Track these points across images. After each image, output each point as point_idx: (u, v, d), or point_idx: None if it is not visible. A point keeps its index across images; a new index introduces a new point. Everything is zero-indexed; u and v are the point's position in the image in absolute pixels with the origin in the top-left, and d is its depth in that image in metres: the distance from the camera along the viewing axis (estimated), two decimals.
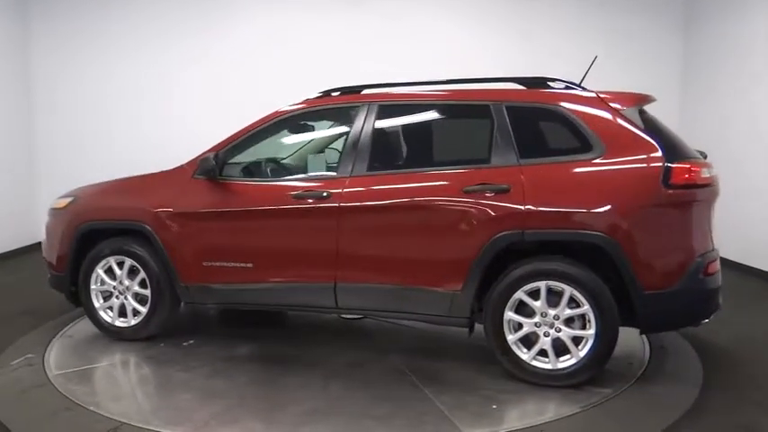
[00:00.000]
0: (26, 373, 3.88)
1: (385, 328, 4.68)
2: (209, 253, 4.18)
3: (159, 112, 7.90)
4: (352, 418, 3.27)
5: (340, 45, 7.75)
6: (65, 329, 4.72)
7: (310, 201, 3.91)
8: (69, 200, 4.60)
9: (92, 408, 3.38)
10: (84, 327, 4.68)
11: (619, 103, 3.67)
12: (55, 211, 4.64)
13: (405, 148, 4.10)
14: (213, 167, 4.06)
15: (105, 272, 4.44)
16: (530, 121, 3.81)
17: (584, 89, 3.84)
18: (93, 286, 4.46)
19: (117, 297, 4.44)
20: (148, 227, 4.25)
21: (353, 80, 4.55)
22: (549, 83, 3.93)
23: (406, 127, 4.13)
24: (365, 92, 4.21)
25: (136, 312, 4.41)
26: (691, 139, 4.01)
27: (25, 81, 7.97)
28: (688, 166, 3.48)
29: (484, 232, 3.62)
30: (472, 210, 3.64)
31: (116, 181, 4.63)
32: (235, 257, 4.13)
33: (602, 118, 3.64)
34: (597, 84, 3.91)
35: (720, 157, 4.39)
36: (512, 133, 3.70)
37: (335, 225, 3.88)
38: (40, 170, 8.09)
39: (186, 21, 7.85)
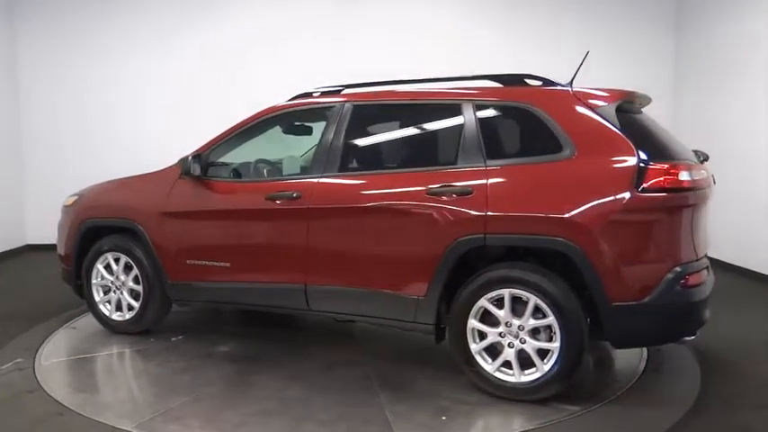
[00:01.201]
0: (16, 377, 3.84)
1: (373, 332, 4.60)
2: (192, 251, 4.27)
3: (148, 111, 7.92)
4: (294, 421, 3.22)
5: (333, 42, 7.77)
6: (71, 321, 4.96)
7: (279, 202, 3.91)
8: (76, 197, 4.84)
9: (84, 413, 3.31)
10: (89, 319, 4.87)
11: (595, 101, 3.43)
12: (65, 209, 4.90)
13: (376, 149, 4.03)
14: (192, 167, 4.14)
15: (104, 267, 4.64)
16: (499, 121, 3.64)
17: (560, 86, 3.62)
18: (93, 280, 4.67)
19: (114, 292, 4.62)
20: (139, 225, 4.40)
21: (350, 78, 4.53)
22: (526, 80, 3.73)
23: (377, 127, 4.06)
24: (345, 92, 4.16)
25: (131, 307, 4.57)
26: (683, 140, 3.72)
27: (13, 83, 7.90)
28: (665, 167, 3.18)
29: (446, 236, 3.49)
30: (435, 213, 3.51)
31: (116, 180, 4.82)
32: (214, 257, 4.20)
33: (574, 116, 3.41)
34: (591, 82, 3.68)
35: (714, 158, 4.05)
36: (480, 133, 3.54)
37: (305, 227, 3.86)
38: (28, 172, 8.07)
39: (172, 18, 7.88)
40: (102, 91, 7.98)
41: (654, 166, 3.18)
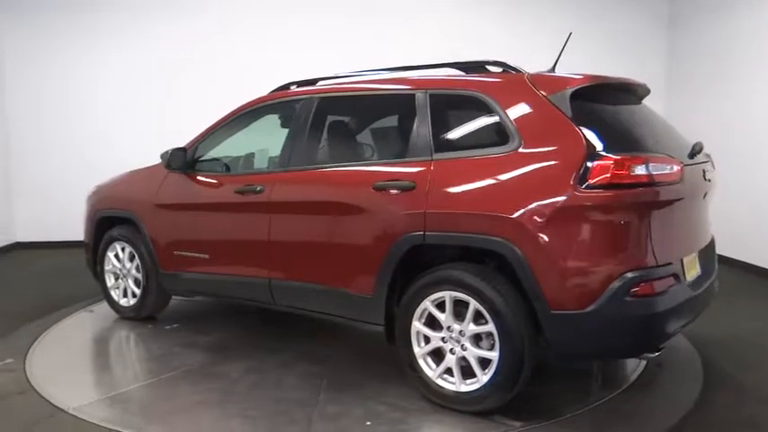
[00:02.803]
0: (6, 379, 3.70)
1: (358, 328, 4.48)
2: (178, 243, 4.40)
3: (131, 108, 7.89)
4: (222, 415, 3.24)
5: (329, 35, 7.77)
6: (91, 305, 5.28)
7: (243, 195, 3.92)
8: (96, 189, 5.15)
9: (77, 414, 3.23)
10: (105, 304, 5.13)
11: (551, 86, 3.10)
12: (87, 199, 5.22)
13: (334, 143, 3.91)
14: (170, 161, 4.26)
15: (114, 256, 4.90)
16: (450, 111, 3.40)
17: (517, 72, 3.31)
18: (106, 267, 4.96)
19: (122, 279, 4.88)
20: (136, 216, 4.61)
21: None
22: (487, 67, 3.46)
23: (338, 120, 3.94)
24: (318, 85, 4.09)
25: (135, 294, 4.80)
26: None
27: None
28: (615, 160, 2.80)
29: (389, 233, 3.32)
30: (379, 209, 3.36)
31: (127, 172, 5.05)
32: (195, 248, 4.30)
33: (523, 105, 3.10)
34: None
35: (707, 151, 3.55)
36: (429, 125, 3.33)
37: (267, 221, 3.85)
38: (15, 170, 7.93)
39: (158, 18, 7.83)
40: (86, 88, 7.92)
41: (602, 159, 2.82)
